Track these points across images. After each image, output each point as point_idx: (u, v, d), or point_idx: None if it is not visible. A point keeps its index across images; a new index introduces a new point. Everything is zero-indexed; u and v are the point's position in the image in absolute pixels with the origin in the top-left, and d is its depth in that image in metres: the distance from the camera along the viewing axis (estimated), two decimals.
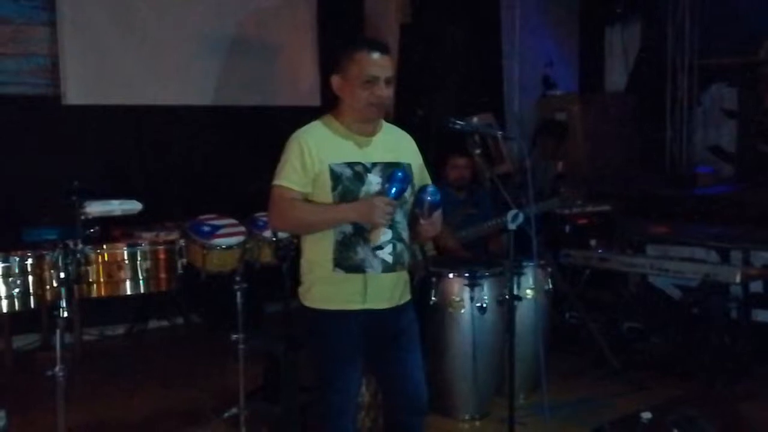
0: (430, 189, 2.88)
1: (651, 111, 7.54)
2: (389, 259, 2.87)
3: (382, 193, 2.80)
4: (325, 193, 2.82)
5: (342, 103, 2.90)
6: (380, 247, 2.84)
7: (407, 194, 2.90)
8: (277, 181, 2.84)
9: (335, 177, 2.80)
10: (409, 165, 2.95)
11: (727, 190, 6.70)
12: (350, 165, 2.83)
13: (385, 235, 2.83)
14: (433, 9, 7.07)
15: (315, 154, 2.81)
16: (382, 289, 2.88)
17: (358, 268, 2.83)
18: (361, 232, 2.83)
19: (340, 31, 6.71)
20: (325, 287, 2.88)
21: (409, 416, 3.00)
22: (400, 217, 2.90)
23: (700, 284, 5.07)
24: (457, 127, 3.27)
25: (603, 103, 7.65)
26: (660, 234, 5.74)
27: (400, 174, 2.80)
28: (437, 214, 2.90)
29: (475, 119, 5.99)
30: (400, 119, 4.53)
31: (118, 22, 6.19)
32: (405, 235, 2.94)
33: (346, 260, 2.83)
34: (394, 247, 2.88)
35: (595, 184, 6.69)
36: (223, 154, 6.52)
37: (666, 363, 5.22)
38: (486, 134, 5.93)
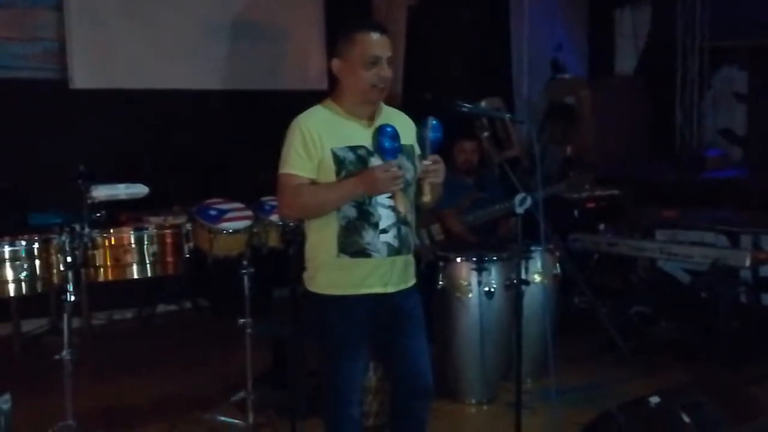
0: (432, 123, 2.80)
1: (661, 94, 7.49)
2: (394, 242, 2.85)
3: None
4: (329, 178, 2.80)
5: (342, 87, 2.87)
6: (385, 231, 2.82)
7: (410, 176, 2.88)
8: (283, 170, 2.83)
9: (339, 161, 2.79)
10: (412, 146, 2.92)
11: (737, 173, 6.67)
12: (353, 149, 2.81)
13: (390, 217, 2.81)
14: None
15: (317, 138, 2.79)
16: (388, 273, 2.86)
17: (363, 253, 2.82)
18: (365, 217, 2.81)
19: (347, 15, 6.67)
20: (329, 272, 2.86)
21: (415, 400, 2.99)
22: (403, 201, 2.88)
23: (710, 268, 5.05)
24: (465, 110, 3.25)
25: (612, 86, 7.61)
26: (669, 218, 5.71)
27: (388, 130, 2.75)
28: (438, 157, 2.83)
29: (483, 103, 5.98)
30: (407, 103, 4.49)
31: (125, 6, 6.18)
32: (410, 218, 2.92)
33: (350, 245, 2.81)
34: (399, 230, 2.86)
35: (604, 168, 6.66)
36: (229, 139, 6.51)
37: (675, 347, 5.20)
38: (494, 118, 5.93)
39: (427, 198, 2.83)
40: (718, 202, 5.92)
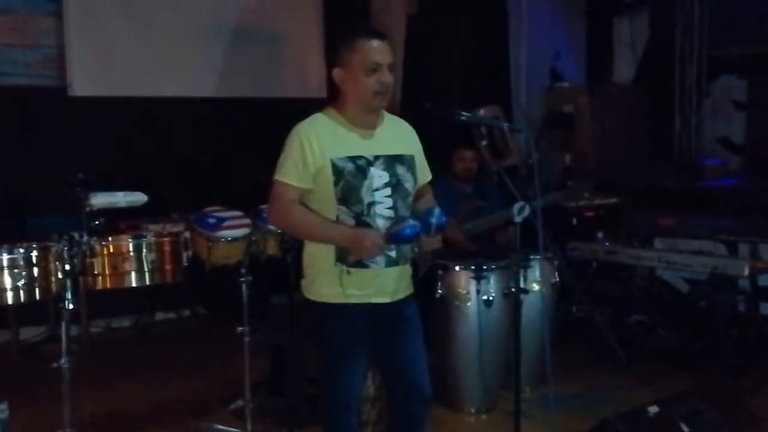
0: (436, 212, 2.81)
1: (659, 102, 7.49)
2: (393, 254, 2.86)
3: (387, 230, 2.78)
4: (327, 187, 2.79)
5: (344, 96, 2.87)
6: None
7: (409, 186, 2.88)
8: (278, 177, 2.83)
9: (337, 172, 2.78)
10: (412, 156, 2.93)
11: (735, 182, 6.66)
12: (352, 159, 2.80)
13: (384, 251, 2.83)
14: None
15: (316, 148, 2.79)
16: (385, 284, 2.87)
17: (361, 263, 2.82)
18: (364, 227, 2.81)
19: (346, 22, 6.69)
20: (327, 281, 2.86)
21: (413, 408, 2.99)
22: (403, 211, 2.88)
23: (708, 277, 5.05)
24: (463, 119, 3.25)
25: (611, 94, 7.60)
26: (668, 227, 5.70)
27: (408, 232, 2.75)
28: (437, 240, 2.88)
29: (481, 111, 5.99)
30: (406, 111, 4.50)
31: (124, 13, 6.18)
32: None
33: (348, 255, 2.81)
34: None
35: (603, 176, 6.66)
36: (228, 146, 6.51)
37: (673, 356, 5.20)
38: (492, 126, 5.93)
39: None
40: (716, 211, 5.92)
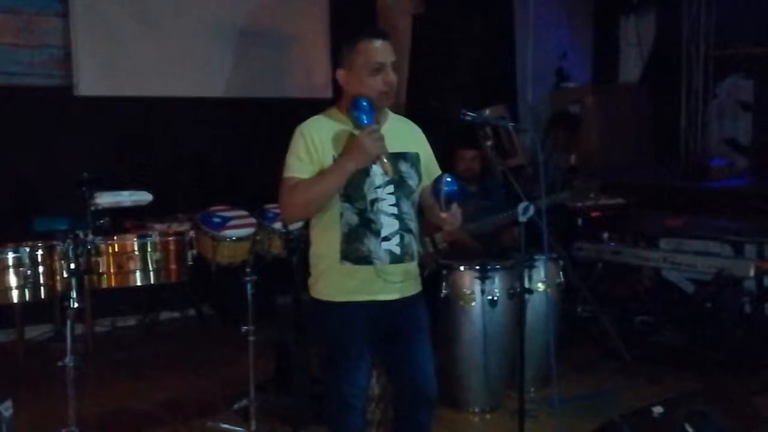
0: (446, 179, 2.80)
1: (666, 103, 7.48)
2: (397, 250, 2.85)
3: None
4: None
5: (349, 96, 2.87)
6: (387, 239, 2.82)
7: (413, 184, 2.88)
8: (285, 174, 2.83)
9: None
10: (416, 154, 2.93)
11: (742, 183, 6.64)
12: None
13: (392, 225, 2.82)
14: None
15: (318, 144, 2.80)
16: (390, 281, 2.86)
17: (366, 260, 2.82)
18: (367, 224, 2.81)
19: (352, 23, 6.69)
20: (332, 279, 2.86)
21: (418, 408, 2.98)
22: (407, 208, 2.88)
23: (714, 278, 5.03)
24: (469, 119, 3.24)
25: (617, 95, 7.59)
26: (674, 227, 5.69)
27: (359, 102, 2.75)
28: (455, 206, 2.83)
29: (487, 111, 5.97)
30: (412, 111, 4.50)
31: (130, 13, 6.20)
32: (413, 226, 2.91)
33: (353, 252, 2.81)
34: (402, 238, 2.86)
35: (609, 176, 6.64)
36: (234, 146, 6.52)
37: (679, 357, 5.18)
38: (498, 126, 5.93)
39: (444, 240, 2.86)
40: (723, 212, 5.91)
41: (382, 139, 2.75)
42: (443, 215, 2.81)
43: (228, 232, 4.06)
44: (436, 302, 4.35)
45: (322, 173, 2.79)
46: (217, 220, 4.13)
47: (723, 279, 4.94)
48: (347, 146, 2.78)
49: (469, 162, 5.13)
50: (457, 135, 5.07)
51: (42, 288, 3.68)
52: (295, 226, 3.82)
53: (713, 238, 5.40)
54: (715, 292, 5.11)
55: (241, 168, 6.38)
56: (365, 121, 2.75)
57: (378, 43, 2.82)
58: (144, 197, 4.11)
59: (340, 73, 2.88)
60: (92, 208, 3.90)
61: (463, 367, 4.42)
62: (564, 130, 6.74)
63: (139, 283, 3.98)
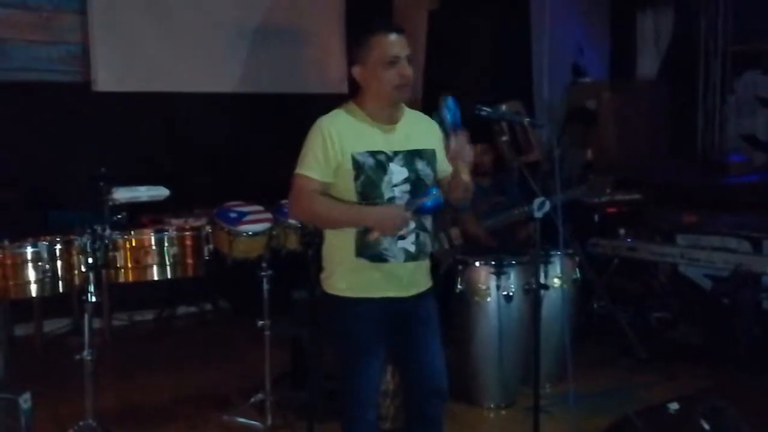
0: (448, 102, 2.79)
1: (683, 99, 7.43)
2: (412, 248, 2.86)
3: (407, 203, 2.78)
4: (347, 182, 2.80)
5: (365, 92, 2.87)
6: (403, 237, 2.83)
7: (428, 181, 2.88)
8: (299, 170, 2.83)
9: (357, 166, 2.79)
10: (433, 150, 2.92)
11: (759, 179, 6.60)
12: (372, 154, 2.80)
13: (409, 225, 2.82)
14: None
15: (337, 142, 2.79)
16: (404, 278, 2.87)
17: (381, 257, 2.83)
18: None
19: (368, 18, 6.67)
20: (346, 275, 2.87)
21: (429, 402, 2.98)
22: None
23: (731, 274, 5.00)
24: (484, 114, 3.24)
25: (634, 90, 7.55)
26: (690, 223, 5.66)
27: (430, 204, 2.77)
28: (461, 133, 2.80)
29: (503, 106, 5.96)
30: (428, 106, 4.49)
31: (148, 10, 6.22)
32: (428, 224, 2.92)
33: (368, 249, 2.82)
34: (417, 236, 2.87)
35: (625, 172, 6.62)
36: (250, 142, 6.54)
37: (695, 353, 5.17)
38: (514, 122, 5.91)
39: (465, 176, 2.83)
40: (740, 208, 5.87)
41: (405, 226, 2.78)
42: (451, 144, 2.80)
43: (244, 227, 4.08)
44: (451, 297, 4.36)
45: (345, 208, 2.80)
46: (233, 215, 4.14)
47: (741, 275, 4.91)
48: (384, 209, 2.78)
49: (479, 156, 5.11)
50: (470, 130, 5.06)
51: (60, 282, 3.70)
52: None
53: (731, 234, 5.37)
54: (732, 288, 5.08)
55: (257, 163, 6.40)
56: (450, 121, 2.75)
57: (392, 36, 2.82)
58: (161, 192, 4.13)
59: (356, 69, 2.87)
60: (109, 203, 3.94)
61: (477, 363, 4.41)
62: (580, 126, 6.73)
63: (156, 278, 3.99)
